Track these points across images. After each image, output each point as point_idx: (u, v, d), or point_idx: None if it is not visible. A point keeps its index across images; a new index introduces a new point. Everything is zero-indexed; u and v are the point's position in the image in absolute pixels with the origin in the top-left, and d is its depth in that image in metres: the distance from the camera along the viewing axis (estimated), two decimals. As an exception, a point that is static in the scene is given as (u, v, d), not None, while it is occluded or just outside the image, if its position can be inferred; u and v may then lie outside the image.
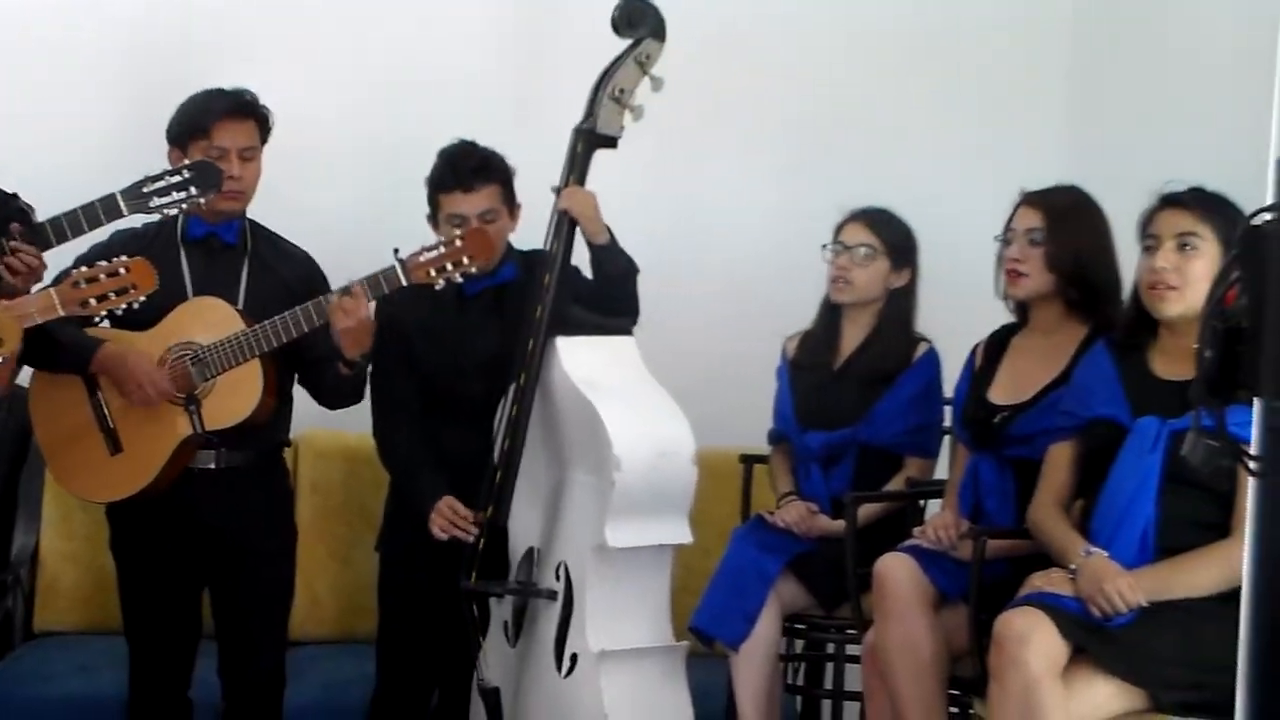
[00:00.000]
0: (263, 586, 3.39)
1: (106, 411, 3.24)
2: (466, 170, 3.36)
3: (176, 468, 3.24)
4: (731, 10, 4.20)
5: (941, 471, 3.56)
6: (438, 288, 3.20)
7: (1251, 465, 1.95)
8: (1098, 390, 2.91)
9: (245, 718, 3.41)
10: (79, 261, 3.20)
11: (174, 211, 3.09)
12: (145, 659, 3.39)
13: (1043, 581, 2.77)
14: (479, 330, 3.45)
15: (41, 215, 3.06)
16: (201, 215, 3.26)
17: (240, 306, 3.28)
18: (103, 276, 2.94)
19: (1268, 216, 1.89)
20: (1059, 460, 2.96)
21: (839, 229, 3.60)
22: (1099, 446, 2.87)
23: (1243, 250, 1.95)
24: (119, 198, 3.03)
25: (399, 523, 3.52)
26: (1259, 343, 1.91)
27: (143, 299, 2.98)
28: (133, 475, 3.24)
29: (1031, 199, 3.19)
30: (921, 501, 3.51)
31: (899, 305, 3.56)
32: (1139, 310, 2.92)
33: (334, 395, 3.40)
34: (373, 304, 3.22)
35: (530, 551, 3.29)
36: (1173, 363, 2.85)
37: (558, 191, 3.30)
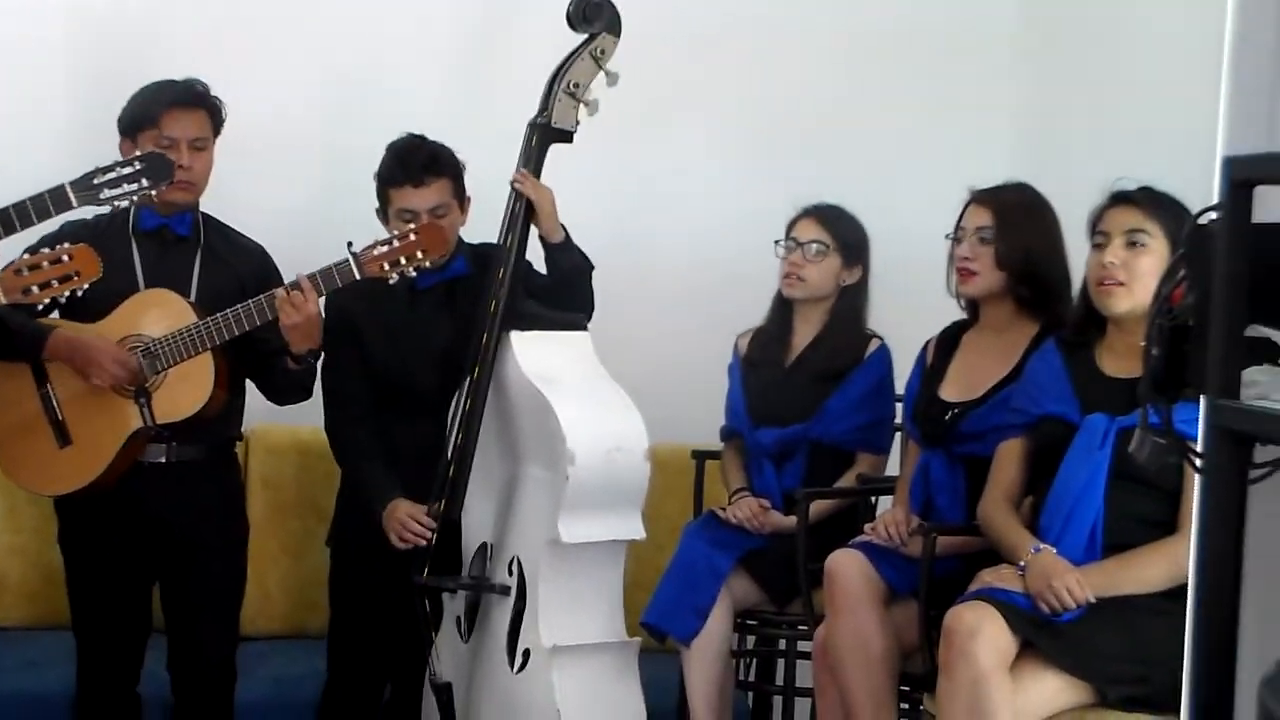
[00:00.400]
0: (213, 581, 3.36)
1: (55, 403, 3.20)
2: (416, 165, 3.34)
3: (126, 461, 3.21)
4: (686, 7, 4.20)
5: (892, 468, 3.58)
6: (391, 282, 3.19)
7: (1197, 462, 1.96)
8: (1047, 388, 2.93)
9: (195, 712, 3.38)
10: (26, 253, 3.16)
11: (124, 203, 3.04)
12: (93, 654, 3.35)
13: (992, 577, 2.79)
14: (431, 324, 3.44)
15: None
16: (153, 207, 3.24)
17: (193, 299, 3.26)
18: (45, 264, 2.89)
19: (1213, 215, 1.91)
20: (1009, 457, 2.97)
21: (791, 225, 3.61)
22: (1048, 443, 2.89)
23: (1189, 249, 1.96)
24: (68, 189, 2.97)
25: (350, 517, 3.50)
26: (1204, 341, 1.93)
27: (86, 286, 2.93)
28: (82, 468, 3.20)
29: (981, 197, 3.20)
30: (873, 498, 3.52)
31: (850, 302, 3.58)
32: (1088, 308, 2.94)
33: (282, 391, 3.38)
34: (323, 299, 3.21)
35: (484, 546, 3.28)
36: (1120, 360, 2.87)
37: (518, 174, 3.29)
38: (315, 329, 3.18)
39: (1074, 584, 2.68)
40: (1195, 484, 2.59)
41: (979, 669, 2.60)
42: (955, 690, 2.62)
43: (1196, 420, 2.00)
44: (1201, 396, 1.97)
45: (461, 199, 3.43)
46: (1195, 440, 1.98)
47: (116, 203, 3.02)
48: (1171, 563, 2.70)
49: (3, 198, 3.01)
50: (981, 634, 2.62)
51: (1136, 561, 2.74)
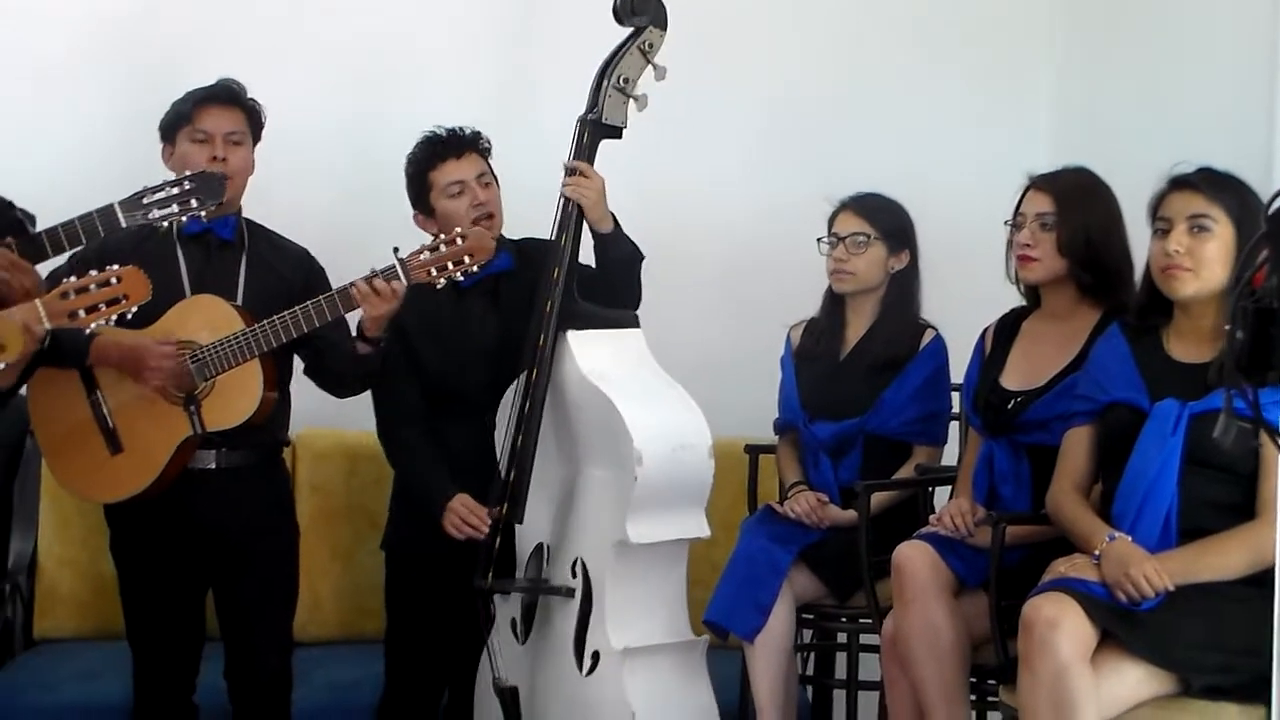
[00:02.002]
0: (266, 587, 3.32)
1: (105, 410, 3.17)
2: (452, 140, 3.39)
3: (176, 468, 3.18)
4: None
5: (949, 458, 3.54)
6: (438, 287, 3.14)
7: (1287, 447, 1.92)
8: (1114, 374, 2.88)
9: (254, 709, 3.33)
10: (72, 261, 3.13)
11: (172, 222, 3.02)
12: (149, 664, 3.31)
13: (1067, 567, 2.73)
14: (477, 322, 3.40)
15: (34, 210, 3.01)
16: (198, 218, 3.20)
17: (239, 304, 3.22)
18: (93, 287, 2.81)
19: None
20: (1077, 445, 2.92)
21: (831, 220, 3.57)
22: (1117, 430, 2.83)
23: (1272, 230, 1.92)
24: (117, 209, 2.93)
25: (404, 522, 3.47)
26: (1292, 323, 1.88)
27: (134, 310, 2.87)
28: (133, 476, 3.17)
29: (1040, 183, 3.15)
30: (931, 489, 3.47)
31: (902, 287, 3.53)
32: (1152, 293, 2.89)
33: (347, 380, 3.33)
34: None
35: (540, 547, 3.24)
36: (1188, 345, 2.82)
37: (569, 171, 3.24)
38: (392, 313, 3.14)
39: (1152, 572, 2.63)
40: (1278, 468, 2.59)
41: (1061, 661, 2.55)
42: (1037, 683, 2.57)
43: (1278, 404, 1.96)
44: (1286, 379, 1.94)
45: (495, 178, 3.42)
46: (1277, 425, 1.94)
47: (164, 223, 2.99)
48: (1252, 548, 2.65)
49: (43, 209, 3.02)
50: (1062, 625, 2.56)
51: (1215, 548, 2.69)
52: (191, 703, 3.36)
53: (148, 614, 3.30)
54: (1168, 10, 3.98)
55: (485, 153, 3.44)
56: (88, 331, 3.09)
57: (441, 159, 3.37)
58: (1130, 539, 2.71)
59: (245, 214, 3.37)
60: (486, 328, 3.39)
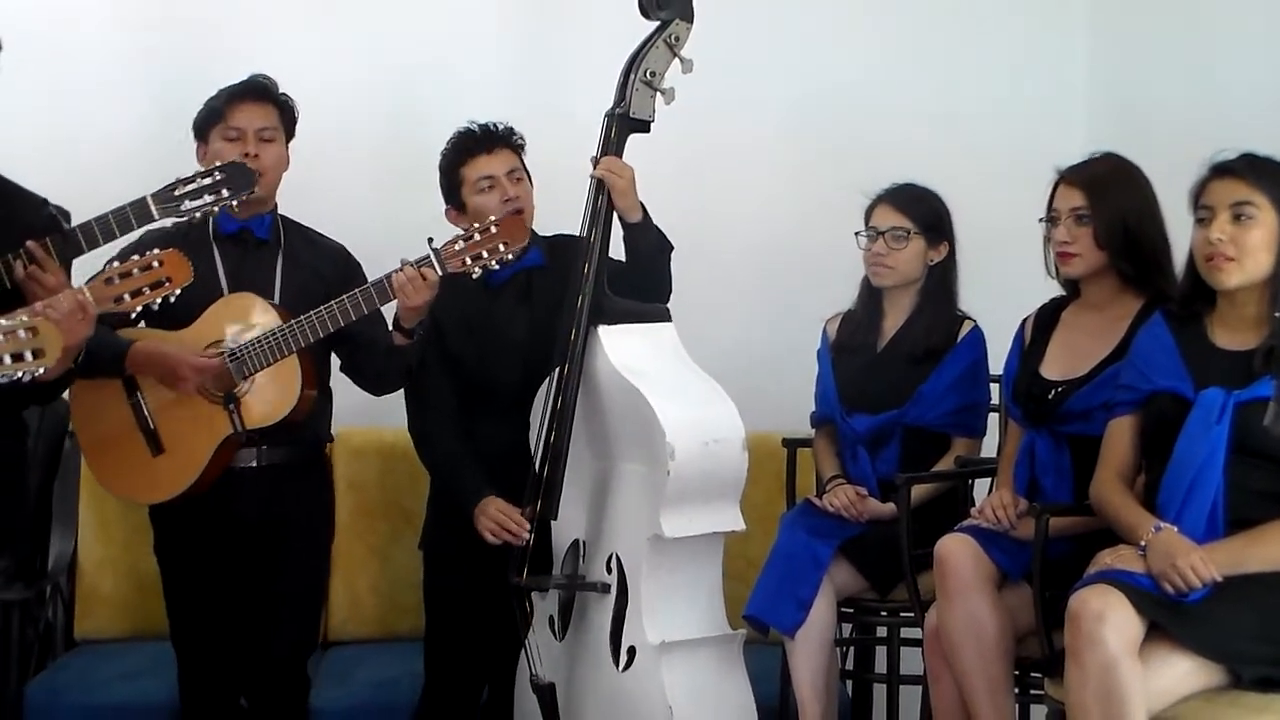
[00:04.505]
0: (292, 584, 3.28)
1: (146, 412, 3.16)
2: (484, 135, 3.36)
3: (218, 467, 3.15)
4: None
5: (988, 450, 3.48)
6: (474, 276, 3.10)
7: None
8: (1158, 363, 2.81)
9: (269, 707, 3.31)
10: (114, 260, 3.09)
11: (205, 214, 2.99)
12: (194, 666, 3.28)
13: (1112, 559, 2.67)
14: (509, 318, 3.37)
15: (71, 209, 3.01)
16: (231, 211, 3.15)
17: (276, 302, 3.19)
18: (136, 271, 2.78)
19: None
20: (1120, 435, 2.86)
21: (868, 214, 3.51)
22: (1161, 420, 2.77)
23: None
24: (150, 201, 2.90)
25: (441, 522, 3.44)
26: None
27: (178, 292, 2.83)
28: (175, 476, 3.15)
29: (1070, 176, 3.08)
30: (970, 481, 3.41)
31: (940, 278, 3.48)
32: (1195, 281, 2.82)
33: (384, 376, 3.30)
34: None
35: (576, 544, 3.19)
36: (1233, 333, 2.76)
37: (595, 162, 3.20)
38: (428, 304, 3.11)
39: (1199, 563, 2.57)
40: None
41: (1109, 654, 2.49)
42: (1085, 677, 2.51)
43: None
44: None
45: (527, 173, 3.38)
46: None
47: (196, 214, 2.95)
48: (1301, 538, 2.60)
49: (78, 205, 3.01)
50: (1109, 618, 2.51)
51: (1264, 538, 2.63)
52: (239, 704, 3.31)
53: (192, 615, 3.27)
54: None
55: (518, 148, 3.41)
56: (124, 333, 3.09)
57: (472, 154, 3.34)
58: (1176, 530, 2.65)
59: (282, 210, 3.34)
60: (518, 323, 3.36)
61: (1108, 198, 3.02)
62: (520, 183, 3.35)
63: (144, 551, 3.37)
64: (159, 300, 2.79)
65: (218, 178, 2.93)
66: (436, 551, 3.46)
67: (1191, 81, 3.87)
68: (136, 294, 2.78)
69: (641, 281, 3.25)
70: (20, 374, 2.51)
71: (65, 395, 3.16)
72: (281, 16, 4.06)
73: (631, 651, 3.00)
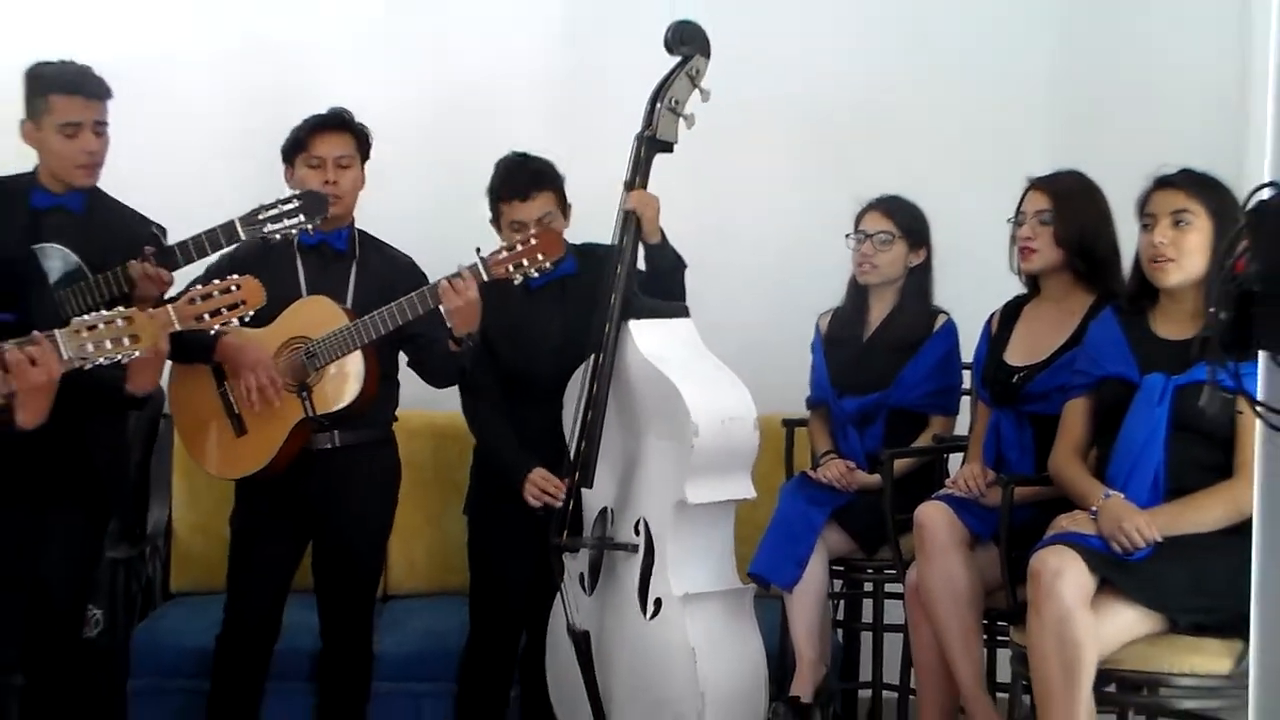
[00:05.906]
0: (359, 541, 3.35)
1: (232, 399, 3.25)
2: (522, 182, 3.35)
3: (294, 448, 3.23)
4: (759, 32, 4.17)
5: (960, 428, 3.56)
6: (516, 282, 3.19)
7: (1266, 415, 1.94)
8: (1108, 351, 2.90)
9: (340, 659, 3.38)
10: (208, 269, 3.23)
11: (284, 236, 3.08)
12: (239, 611, 3.35)
13: (1069, 522, 2.75)
14: (547, 320, 3.44)
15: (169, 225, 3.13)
16: (308, 232, 3.24)
17: (348, 306, 3.26)
18: (216, 294, 2.88)
19: (1269, 193, 1.90)
20: (1075, 414, 2.94)
21: (859, 219, 3.59)
22: (1110, 401, 2.86)
23: (1250, 223, 1.94)
24: (237, 224, 3.05)
25: (484, 489, 3.52)
26: (1273, 304, 1.90)
27: (250, 314, 2.93)
28: (255, 454, 3.24)
29: (1039, 184, 3.17)
30: (947, 455, 3.50)
31: (918, 280, 3.56)
32: (1141, 280, 2.91)
33: (440, 374, 3.38)
34: None
35: (604, 511, 3.28)
36: (1173, 325, 2.84)
37: (627, 186, 3.28)
38: (475, 314, 3.15)
39: (1143, 525, 2.65)
40: (1256, 431, 2.60)
41: (1065, 606, 2.57)
42: (1044, 626, 2.60)
43: (1253, 375, 1.98)
44: (1261, 354, 1.96)
45: (564, 207, 3.42)
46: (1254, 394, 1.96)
47: (276, 236, 3.06)
48: (1230, 503, 2.68)
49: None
50: (1065, 575, 2.59)
51: (1198, 503, 2.71)
52: (272, 647, 3.36)
53: (247, 570, 3.34)
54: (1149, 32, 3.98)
55: (557, 189, 3.38)
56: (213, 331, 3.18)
57: (508, 200, 3.36)
58: (1123, 497, 2.73)
59: (360, 224, 3.41)
60: (554, 325, 3.42)
61: (1070, 205, 3.10)
62: (553, 222, 3.35)
63: (226, 520, 3.44)
64: (234, 321, 2.89)
65: (295, 204, 3.06)
66: (478, 515, 3.54)
67: (1138, 109, 3.94)
68: (215, 314, 2.88)
69: (659, 293, 3.33)
70: (120, 356, 2.64)
71: (162, 384, 3.26)
72: (352, 47, 4.13)
73: (658, 603, 3.10)
